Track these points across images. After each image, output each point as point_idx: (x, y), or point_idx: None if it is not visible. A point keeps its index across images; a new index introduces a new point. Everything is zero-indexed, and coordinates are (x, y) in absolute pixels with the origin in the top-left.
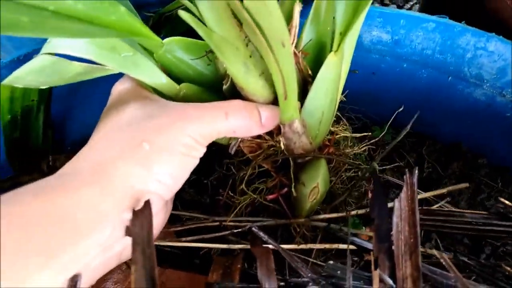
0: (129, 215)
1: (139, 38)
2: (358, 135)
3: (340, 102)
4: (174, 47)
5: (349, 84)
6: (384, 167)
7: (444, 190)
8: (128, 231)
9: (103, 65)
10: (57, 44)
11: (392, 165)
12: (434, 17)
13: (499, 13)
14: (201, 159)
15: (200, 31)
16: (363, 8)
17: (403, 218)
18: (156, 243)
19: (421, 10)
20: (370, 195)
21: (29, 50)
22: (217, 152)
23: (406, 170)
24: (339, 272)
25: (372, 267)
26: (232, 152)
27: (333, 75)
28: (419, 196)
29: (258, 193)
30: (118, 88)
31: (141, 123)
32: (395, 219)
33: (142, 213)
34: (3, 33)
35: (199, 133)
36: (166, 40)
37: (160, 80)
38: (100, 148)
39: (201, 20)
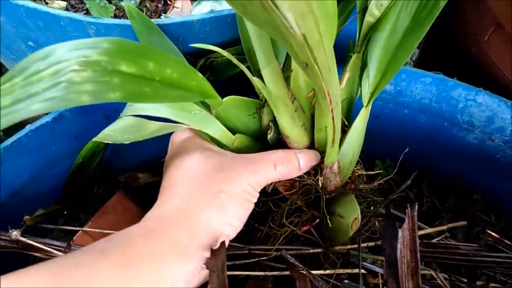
0: (208, 254)
1: (209, 100)
2: (371, 173)
3: None
4: (230, 105)
5: None
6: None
7: (444, 227)
8: (207, 265)
9: (178, 122)
10: (138, 107)
11: (396, 198)
12: (430, 73)
13: (488, 68)
14: None
15: (264, 92)
16: (390, 75)
17: (406, 246)
18: None
19: (416, 64)
20: (377, 224)
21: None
22: None
23: (408, 204)
24: None
25: (380, 285)
26: (269, 191)
27: (362, 125)
28: (422, 232)
29: (294, 226)
30: (179, 137)
31: (214, 175)
32: (398, 246)
33: (219, 252)
34: (134, 102)
35: (257, 182)
36: (225, 99)
37: (221, 132)
38: (183, 197)
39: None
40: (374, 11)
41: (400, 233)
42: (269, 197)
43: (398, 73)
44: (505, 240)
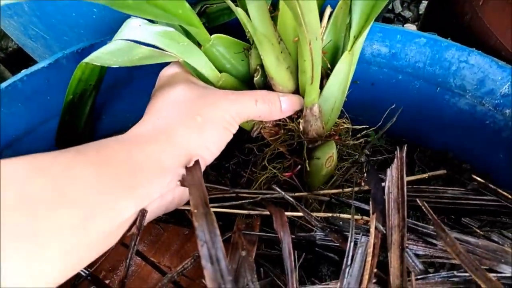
0: (183, 171)
1: (193, 30)
2: (358, 127)
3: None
4: (218, 43)
5: (351, 94)
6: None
7: (425, 175)
8: (183, 182)
9: (165, 50)
10: (128, 32)
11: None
12: (425, 34)
13: (481, 33)
14: None
15: (249, 26)
16: (372, 17)
17: (393, 183)
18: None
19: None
20: (363, 182)
21: (86, 45)
22: (236, 140)
23: (397, 146)
24: (341, 222)
25: (371, 212)
26: (254, 136)
27: (345, 70)
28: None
29: (276, 169)
30: (167, 72)
31: (194, 101)
32: (387, 183)
33: (194, 169)
34: (117, 9)
35: (236, 112)
36: (213, 36)
37: (207, 67)
38: (162, 117)
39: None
40: None
41: (388, 172)
42: (254, 144)
43: (393, 33)
44: (490, 185)
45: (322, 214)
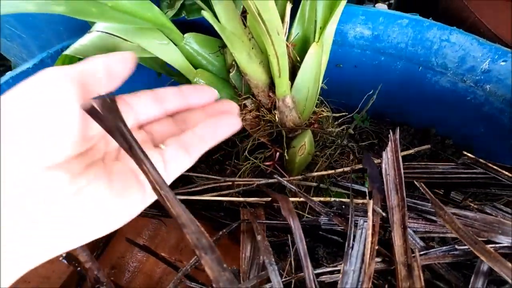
0: None
1: (165, 31)
2: (337, 115)
3: (324, 97)
4: (192, 41)
5: (335, 77)
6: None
7: (411, 151)
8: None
9: (145, 49)
10: (108, 26)
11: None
12: (407, 14)
13: (459, 12)
14: None
15: (216, 26)
16: (336, 8)
17: (390, 165)
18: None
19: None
20: (359, 163)
21: (71, 43)
22: None
23: (390, 130)
24: (343, 206)
25: (367, 197)
26: None
27: (315, 61)
28: None
29: (258, 160)
30: None
31: None
32: (383, 165)
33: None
34: (79, 17)
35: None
36: (186, 35)
37: (183, 64)
38: None
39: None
40: None
41: (384, 155)
42: (237, 136)
43: (375, 16)
44: (481, 160)
45: (322, 199)
